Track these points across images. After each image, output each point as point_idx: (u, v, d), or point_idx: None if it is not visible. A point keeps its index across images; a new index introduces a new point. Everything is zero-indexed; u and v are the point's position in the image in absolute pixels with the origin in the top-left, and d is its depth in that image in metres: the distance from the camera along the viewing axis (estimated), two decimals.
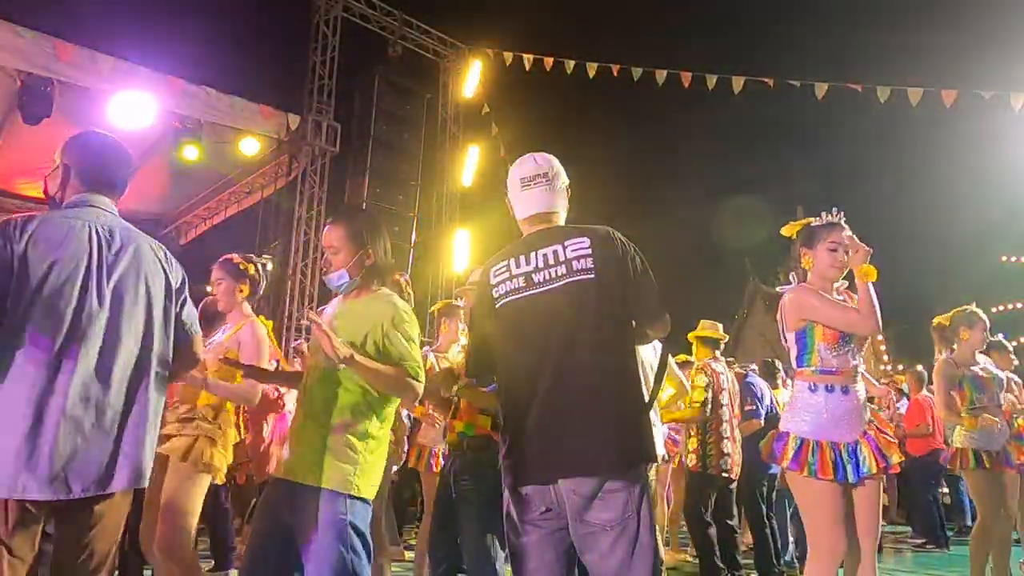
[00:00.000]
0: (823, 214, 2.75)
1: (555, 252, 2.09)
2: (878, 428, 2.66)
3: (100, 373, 1.87)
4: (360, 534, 2.14)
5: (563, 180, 2.26)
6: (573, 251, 2.07)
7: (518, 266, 2.12)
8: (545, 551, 2.01)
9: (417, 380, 2.24)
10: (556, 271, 2.07)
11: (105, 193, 2.10)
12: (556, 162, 2.27)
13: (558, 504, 1.96)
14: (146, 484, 2.02)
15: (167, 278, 2.13)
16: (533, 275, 2.09)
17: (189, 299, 2.23)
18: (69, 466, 1.80)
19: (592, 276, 2.04)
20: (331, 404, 2.22)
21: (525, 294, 2.09)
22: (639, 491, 1.95)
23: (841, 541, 2.53)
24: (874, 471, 2.56)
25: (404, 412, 3.97)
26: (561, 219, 2.24)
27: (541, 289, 2.07)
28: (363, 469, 2.19)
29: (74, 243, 1.92)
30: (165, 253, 2.17)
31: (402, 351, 2.23)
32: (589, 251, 2.06)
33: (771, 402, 5.39)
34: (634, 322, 2.12)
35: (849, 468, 2.54)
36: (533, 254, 2.11)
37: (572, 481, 1.93)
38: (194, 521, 2.88)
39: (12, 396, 1.77)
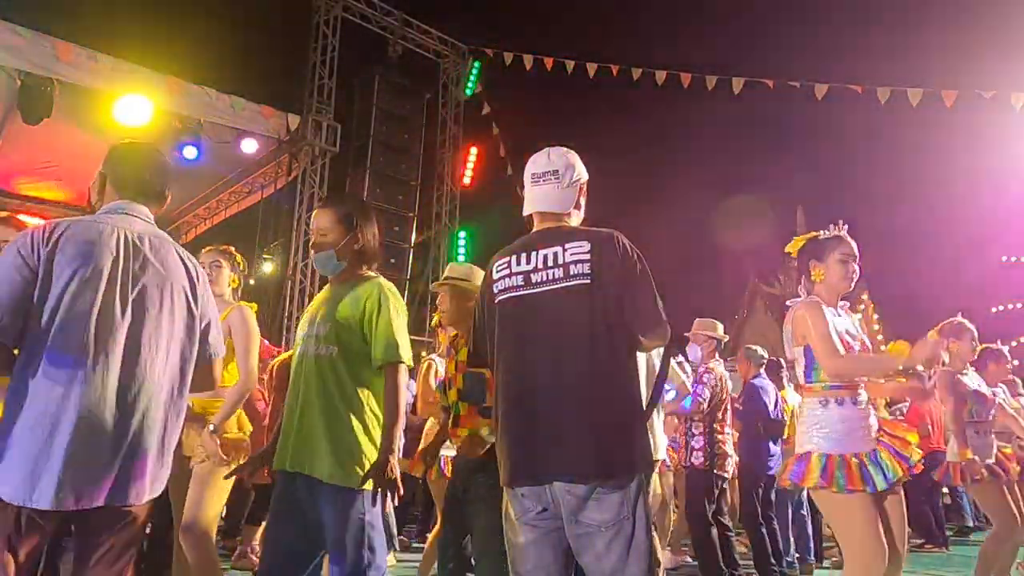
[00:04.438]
0: (831, 227, 2.74)
1: (555, 254, 2.06)
2: (889, 432, 2.63)
3: (120, 384, 1.82)
4: (375, 529, 2.20)
5: (577, 177, 2.20)
6: (572, 255, 2.04)
7: (518, 264, 2.11)
8: (543, 551, 1.99)
9: (404, 362, 2.30)
10: (553, 273, 2.04)
11: (142, 201, 2.05)
12: (573, 157, 2.22)
13: (554, 504, 1.95)
14: (156, 495, 1.95)
15: (194, 293, 2.05)
16: (531, 275, 2.08)
17: (216, 320, 2.15)
18: (82, 477, 1.75)
19: (588, 282, 2.01)
20: (329, 394, 2.26)
21: (522, 293, 2.08)
22: (635, 491, 1.93)
23: (881, 553, 2.45)
24: (900, 474, 2.53)
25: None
26: (571, 218, 2.19)
27: (537, 290, 2.06)
28: (372, 461, 2.21)
29: (99, 247, 1.86)
30: (195, 267, 2.10)
31: (387, 334, 2.29)
32: (588, 256, 2.03)
33: (778, 403, 5.32)
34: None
35: (877, 477, 2.50)
36: (534, 253, 2.10)
37: (566, 482, 1.92)
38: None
39: (32, 404, 1.74)
